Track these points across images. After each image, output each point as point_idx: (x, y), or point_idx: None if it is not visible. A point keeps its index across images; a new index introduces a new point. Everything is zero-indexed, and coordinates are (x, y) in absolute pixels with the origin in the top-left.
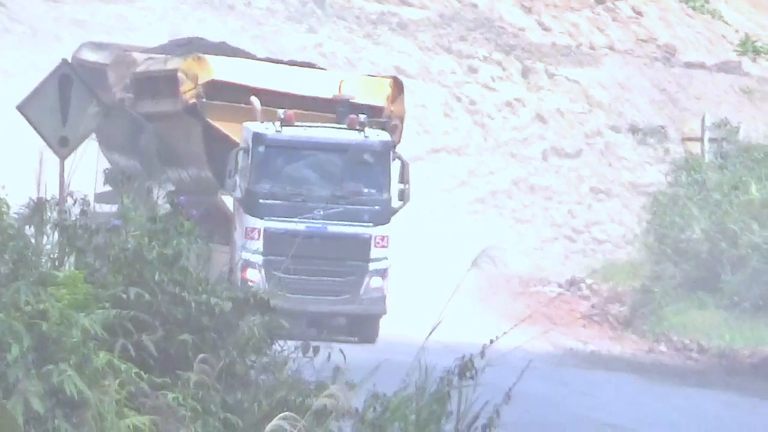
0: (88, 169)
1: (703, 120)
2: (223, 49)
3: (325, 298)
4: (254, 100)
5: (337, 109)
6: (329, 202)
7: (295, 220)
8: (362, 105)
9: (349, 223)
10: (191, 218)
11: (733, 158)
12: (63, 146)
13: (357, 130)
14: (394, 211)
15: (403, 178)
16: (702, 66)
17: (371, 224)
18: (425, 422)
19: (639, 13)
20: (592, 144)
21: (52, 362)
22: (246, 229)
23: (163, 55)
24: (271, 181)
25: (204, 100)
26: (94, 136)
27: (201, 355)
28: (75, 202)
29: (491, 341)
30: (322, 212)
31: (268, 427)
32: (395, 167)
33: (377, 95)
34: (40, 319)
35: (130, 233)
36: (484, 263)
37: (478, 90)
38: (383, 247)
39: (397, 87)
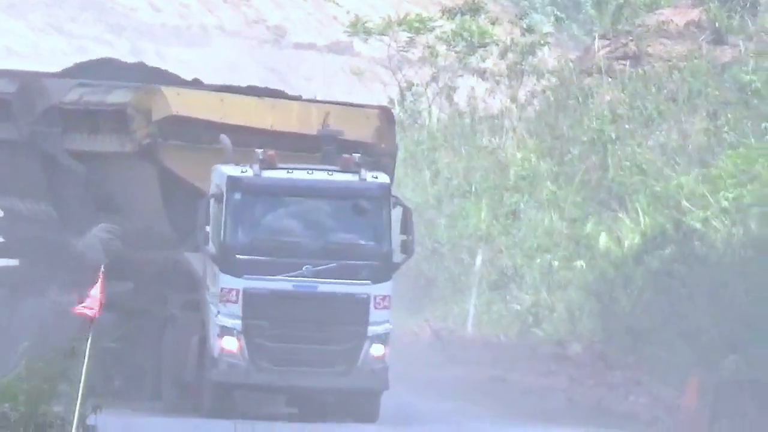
0: None
1: None
2: (142, 71)
3: (316, 369)
4: (224, 138)
5: (323, 148)
6: (320, 257)
7: (280, 278)
8: (349, 141)
9: (344, 281)
10: None
11: None
12: None
13: (352, 172)
14: (396, 267)
15: (406, 228)
16: (312, 47)
17: (369, 282)
18: (35, 402)
19: None
20: None
21: None
22: (222, 290)
23: (102, 84)
24: (250, 233)
25: (160, 140)
26: None
27: None
28: None
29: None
30: (311, 269)
31: None
32: (396, 215)
33: (364, 129)
34: None
35: None
36: None
37: None
38: (384, 308)
39: (387, 119)
